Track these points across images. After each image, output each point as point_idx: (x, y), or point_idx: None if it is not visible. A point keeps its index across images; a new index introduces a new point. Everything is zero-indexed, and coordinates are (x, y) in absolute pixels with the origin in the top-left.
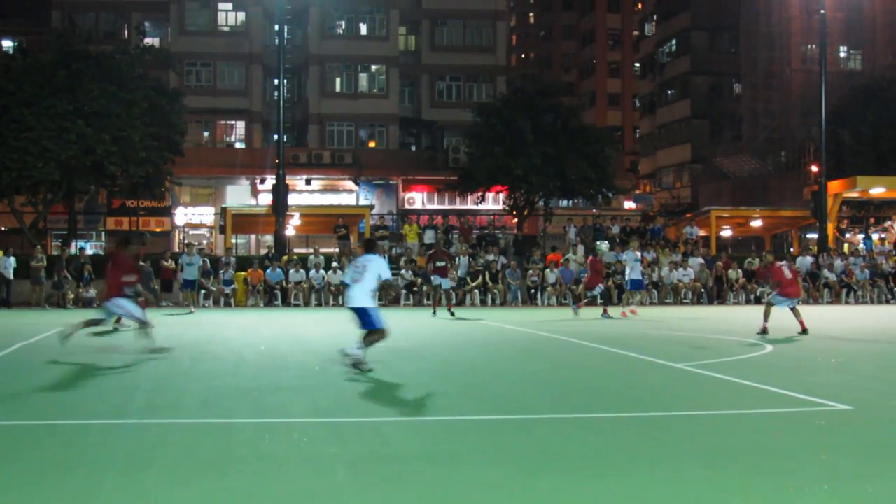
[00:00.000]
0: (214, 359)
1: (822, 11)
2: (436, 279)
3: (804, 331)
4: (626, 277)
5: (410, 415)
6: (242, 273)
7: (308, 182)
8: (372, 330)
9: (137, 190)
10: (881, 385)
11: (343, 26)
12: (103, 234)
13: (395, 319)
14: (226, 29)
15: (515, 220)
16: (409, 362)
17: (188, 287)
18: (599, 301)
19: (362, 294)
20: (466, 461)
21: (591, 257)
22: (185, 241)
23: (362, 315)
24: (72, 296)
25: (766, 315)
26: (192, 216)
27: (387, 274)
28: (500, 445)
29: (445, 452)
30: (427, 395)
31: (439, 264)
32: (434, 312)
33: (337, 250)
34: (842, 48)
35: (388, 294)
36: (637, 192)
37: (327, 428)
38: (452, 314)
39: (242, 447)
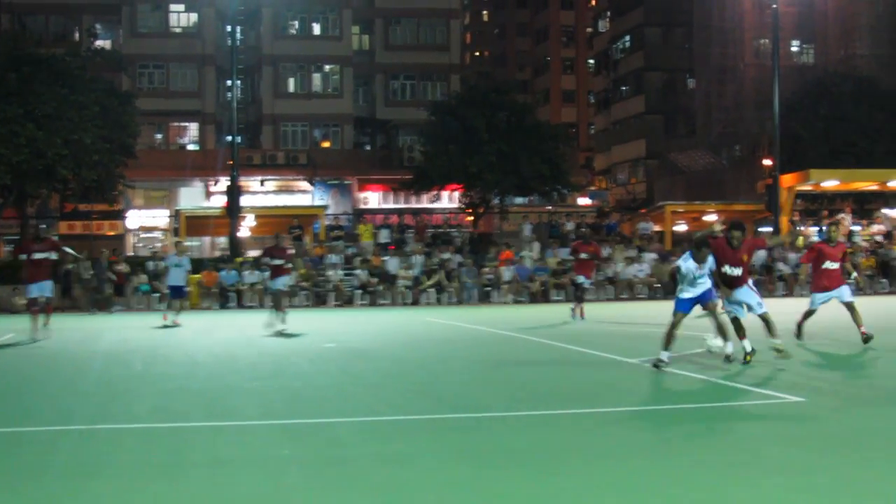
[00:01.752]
0: (167, 362)
1: (775, 6)
2: (275, 283)
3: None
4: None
5: (364, 415)
6: (196, 276)
7: (262, 183)
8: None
9: (90, 193)
10: (833, 377)
11: (296, 26)
12: (55, 238)
13: (346, 320)
14: (178, 30)
15: (471, 218)
16: (362, 362)
17: (176, 295)
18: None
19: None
20: (420, 461)
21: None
22: (174, 241)
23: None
24: (23, 301)
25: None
26: (146, 219)
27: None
28: (455, 444)
29: (399, 452)
30: (380, 395)
31: (276, 262)
32: (275, 323)
33: (292, 251)
34: (794, 42)
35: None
36: (592, 188)
37: (281, 430)
38: (283, 321)
39: (195, 451)
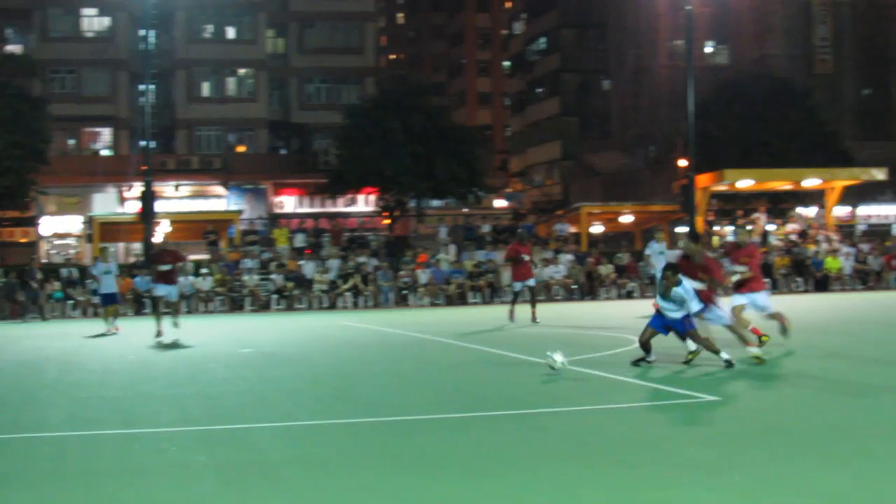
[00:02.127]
0: (81, 370)
1: (689, 7)
2: (160, 289)
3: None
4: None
5: (280, 420)
6: None
7: (177, 188)
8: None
9: (1, 200)
10: (747, 376)
11: (210, 30)
12: None
13: (263, 325)
14: (90, 35)
15: (387, 221)
16: (279, 367)
17: (109, 302)
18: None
19: None
20: (338, 465)
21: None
22: (100, 246)
23: None
24: None
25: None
26: (59, 226)
27: None
28: (372, 448)
29: (316, 457)
30: (297, 400)
31: (163, 269)
32: (158, 333)
33: (207, 256)
34: (708, 43)
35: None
36: (508, 190)
37: (197, 436)
38: (159, 335)
39: (110, 459)
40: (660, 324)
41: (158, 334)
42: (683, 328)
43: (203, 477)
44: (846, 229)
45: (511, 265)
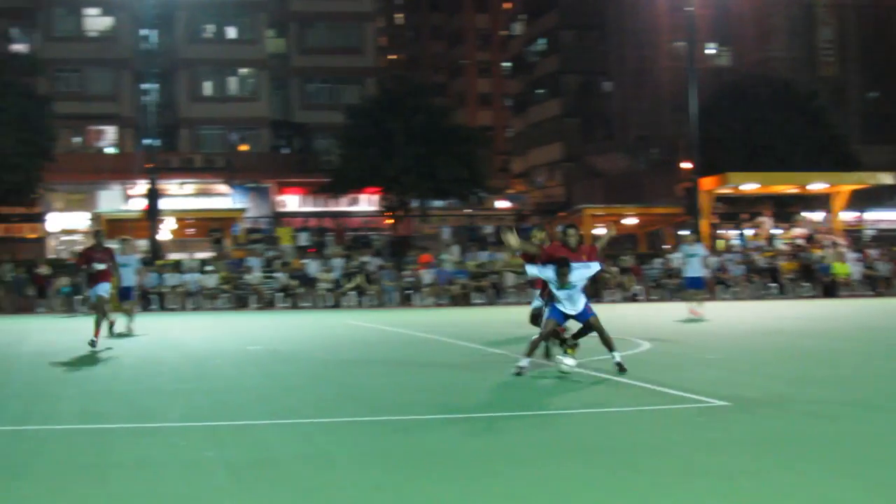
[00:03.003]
0: (91, 364)
1: (690, 8)
2: (95, 290)
3: None
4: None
5: (287, 417)
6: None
7: (181, 186)
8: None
9: (9, 196)
10: (758, 380)
11: (211, 30)
12: None
13: (268, 323)
14: (94, 34)
15: (390, 221)
16: (285, 364)
17: (122, 296)
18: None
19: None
20: (345, 463)
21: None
22: (121, 237)
23: None
24: None
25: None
26: (67, 222)
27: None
28: (379, 446)
29: (324, 454)
30: (303, 397)
31: (98, 268)
32: (93, 342)
33: (212, 254)
34: (710, 45)
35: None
36: (510, 191)
37: (205, 432)
38: (93, 343)
39: (120, 453)
40: (560, 315)
41: (94, 343)
42: (586, 315)
43: (212, 472)
44: (854, 234)
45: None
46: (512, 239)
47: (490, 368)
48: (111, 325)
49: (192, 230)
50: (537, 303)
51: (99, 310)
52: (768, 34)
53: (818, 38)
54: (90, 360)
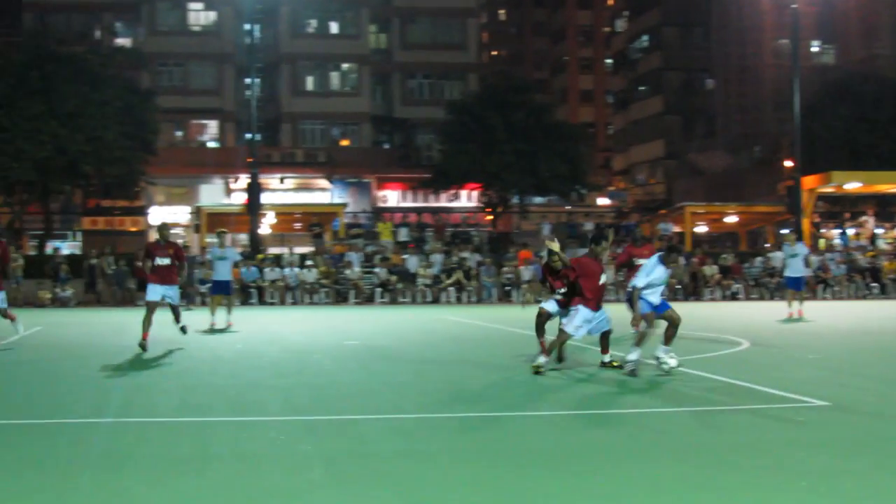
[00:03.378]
0: (191, 358)
1: (794, 6)
2: (157, 290)
3: None
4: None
5: (386, 412)
6: None
7: (282, 181)
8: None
9: (112, 190)
10: (858, 380)
11: (314, 25)
12: (79, 234)
13: (367, 318)
14: (197, 28)
15: (490, 217)
16: (384, 360)
17: (220, 291)
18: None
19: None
20: (443, 458)
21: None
22: (218, 231)
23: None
24: (49, 295)
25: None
26: (167, 215)
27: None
28: (477, 442)
29: (421, 450)
30: (402, 393)
31: (160, 263)
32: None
33: (312, 248)
34: (814, 42)
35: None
36: (611, 188)
37: (304, 426)
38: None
39: (219, 445)
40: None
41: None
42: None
43: (310, 466)
44: None
45: (625, 272)
46: (554, 245)
47: (586, 365)
48: (212, 325)
49: (298, 224)
50: (549, 306)
51: (153, 311)
52: (873, 31)
53: None
54: (189, 353)
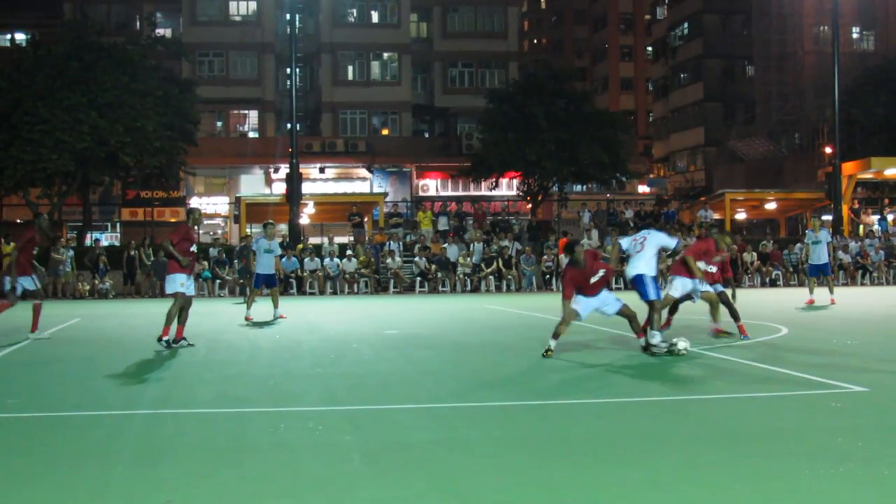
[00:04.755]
0: (230, 348)
1: None
2: (176, 279)
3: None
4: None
5: (424, 402)
6: None
7: (322, 170)
8: (647, 302)
9: (151, 180)
10: None
11: (354, 14)
12: (118, 225)
13: (407, 307)
14: (237, 18)
15: (530, 205)
16: (424, 349)
17: (268, 283)
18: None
19: (639, 263)
20: (481, 447)
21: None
22: (265, 222)
23: (638, 284)
24: (87, 287)
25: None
26: (207, 206)
27: (668, 243)
28: (515, 431)
29: (460, 439)
30: (441, 382)
31: (194, 250)
32: (168, 342)
33: (352, 238)
34: (854, 29)
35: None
36: (651, 176)
37: (342, 416)
38: (168, 344)
39: (258, 436)
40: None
41: (169, 344)
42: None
43: (349, 456)
44: None
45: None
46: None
47: (624, 352)
48: (247, 319)
49: (335, 214)
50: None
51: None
52: None
53: None
54: (228, 343)
